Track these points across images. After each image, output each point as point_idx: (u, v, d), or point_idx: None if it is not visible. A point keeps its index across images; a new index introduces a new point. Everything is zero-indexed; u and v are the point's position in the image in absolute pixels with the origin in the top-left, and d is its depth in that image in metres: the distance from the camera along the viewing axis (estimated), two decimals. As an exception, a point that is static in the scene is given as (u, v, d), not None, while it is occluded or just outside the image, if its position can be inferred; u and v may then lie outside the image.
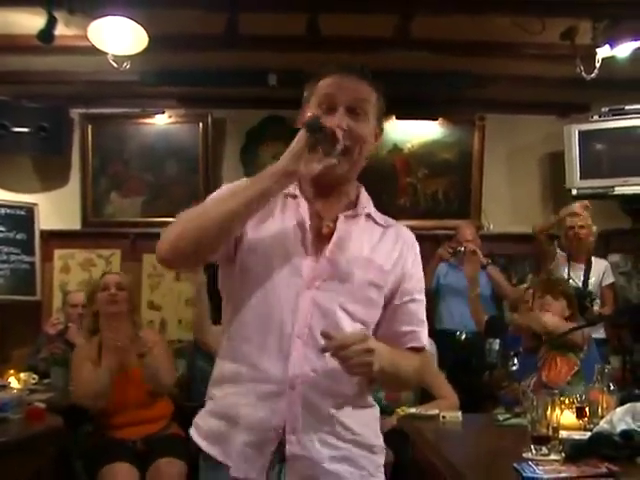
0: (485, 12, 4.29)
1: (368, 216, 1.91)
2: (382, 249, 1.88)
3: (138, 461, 3.65)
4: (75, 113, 6.16)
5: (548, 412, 2.58)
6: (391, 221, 1.96)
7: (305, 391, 1.73)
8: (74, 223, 6.21)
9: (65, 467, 3.83)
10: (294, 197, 1.87)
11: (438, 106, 6.11)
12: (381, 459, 1.88)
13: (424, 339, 1.91)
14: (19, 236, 5.99)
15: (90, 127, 6.12)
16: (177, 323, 5.78)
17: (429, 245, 5.63)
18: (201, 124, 6.09)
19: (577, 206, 5.19)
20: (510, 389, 3.92)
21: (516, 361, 3.77)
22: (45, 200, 6.20)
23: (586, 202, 5.24)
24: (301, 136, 1.68)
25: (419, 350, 1.90)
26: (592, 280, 5.21)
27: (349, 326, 1.77)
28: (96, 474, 3.56)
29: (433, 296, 5.40)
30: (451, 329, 5.31)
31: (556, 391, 2.87)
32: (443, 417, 3.30)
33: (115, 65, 4.47)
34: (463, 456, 2.72)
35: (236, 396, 1.78)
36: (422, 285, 1.95)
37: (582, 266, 5.24)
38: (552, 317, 3.77)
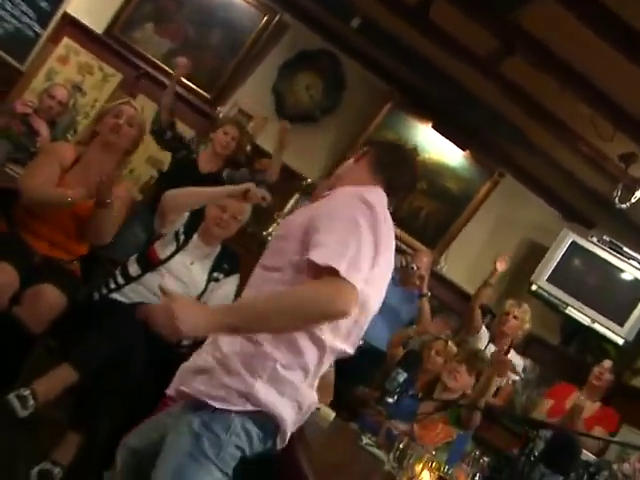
0: (578, 92, 4.20)
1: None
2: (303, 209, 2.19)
3: (25, 273, 3.42)
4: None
5: (417, 467, 2.59)
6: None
7: None
8: (98, 26, 5.96)
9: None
10: None
11: (473, 140, 6.06)
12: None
13: (323, 256, 1.83)
14: (43, 4, 5.70)
15: (168, -45, 5.87)
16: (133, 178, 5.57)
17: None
18: (266, 17, 5.92)
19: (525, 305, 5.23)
20: (375, 413, 3.93)
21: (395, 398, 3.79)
22: (86, -11, 5.93)
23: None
24: None
25: (321, 271, 1.82)
26: (500, 369, 5.26)
27: (260, 275, 2.04)
28: None
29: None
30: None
31: (433, 452, 2.88)
32: (318, 408, 3.27)
33: None
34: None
35: None
36: (330, 216, 1.91)
37: (498, 352, 5.27)
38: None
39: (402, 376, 3.68)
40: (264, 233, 5.22)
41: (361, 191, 2.01)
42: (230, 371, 1.90)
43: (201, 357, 2.00)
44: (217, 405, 1.87)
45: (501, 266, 5.28)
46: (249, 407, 1.88)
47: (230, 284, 3.99)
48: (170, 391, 2.04)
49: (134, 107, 3.87)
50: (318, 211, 1.98)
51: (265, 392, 1.89)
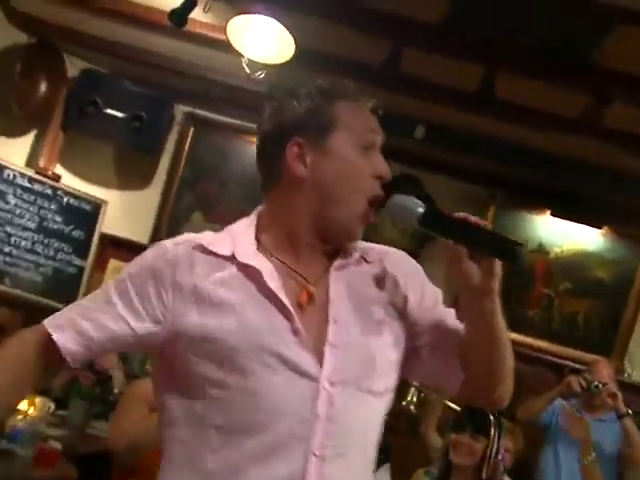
0: None
1: (360, 259, 1.83)
2: (380, 295, 1.80)
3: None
4: (179, 110, 6.15)
5: None
6: (375, 251, 1.88)
7: None
8: (142, 235, 6.13)
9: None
10: (246, 267, 1.66)
11: (606, 213, 5.98)
12: None
13: None
14: (75, 233, 5.97)
15: (192, 130, 6.16)
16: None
17: (550, 374, 5.52)
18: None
19: None
20: None
21: None
22: (117, 200, 6.19)
23: None
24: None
25: None
26: None
27: (375, 408, 1.73)
28: None
29: (540, 436, 5.20)
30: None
31: None
32: None
33: (247, 71, 4.52)
34: None
35: None
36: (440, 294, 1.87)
37: None
38: None
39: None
40: (403, 403, 5.19)
41: None
42: None
43: None
44: None
45: None
46: None
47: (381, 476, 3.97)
48: None
49: None
50: None
51: None
